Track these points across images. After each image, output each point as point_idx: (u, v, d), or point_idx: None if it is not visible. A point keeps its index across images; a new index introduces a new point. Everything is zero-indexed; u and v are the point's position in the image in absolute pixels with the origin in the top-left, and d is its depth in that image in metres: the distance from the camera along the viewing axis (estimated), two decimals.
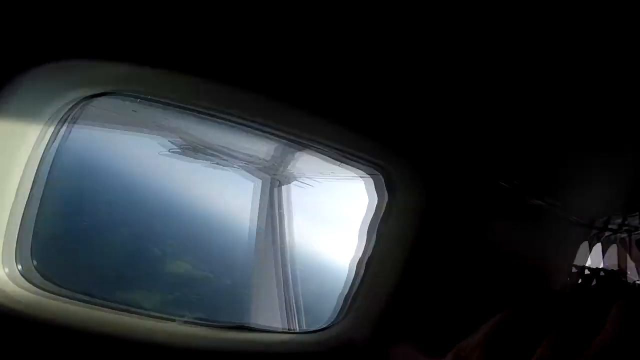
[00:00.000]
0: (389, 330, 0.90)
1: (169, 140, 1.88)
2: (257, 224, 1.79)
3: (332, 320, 0.93)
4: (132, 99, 0.84)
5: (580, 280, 1.00)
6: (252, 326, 0.90)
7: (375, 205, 0.92)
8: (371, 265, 0.90)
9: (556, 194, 1.04)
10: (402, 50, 0.64)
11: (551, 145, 0.87)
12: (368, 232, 0.93)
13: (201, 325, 0.85)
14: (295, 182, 1.58)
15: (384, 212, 0.89)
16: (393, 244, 0.89)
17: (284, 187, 1.66)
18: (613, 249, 1.11)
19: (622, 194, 0.91)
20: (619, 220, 1.02)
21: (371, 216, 0.92)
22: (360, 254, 0.95)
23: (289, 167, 1.49)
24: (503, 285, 1.00)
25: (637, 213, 0.73)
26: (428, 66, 0.66)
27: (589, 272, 0.99)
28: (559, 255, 1.18)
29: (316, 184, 1.44)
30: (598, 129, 0.77)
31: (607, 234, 1.20)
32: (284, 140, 0.92)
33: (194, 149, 1.82)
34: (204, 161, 1.92)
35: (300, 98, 0.72)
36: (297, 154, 1.26)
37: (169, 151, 2.01)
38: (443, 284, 0.94)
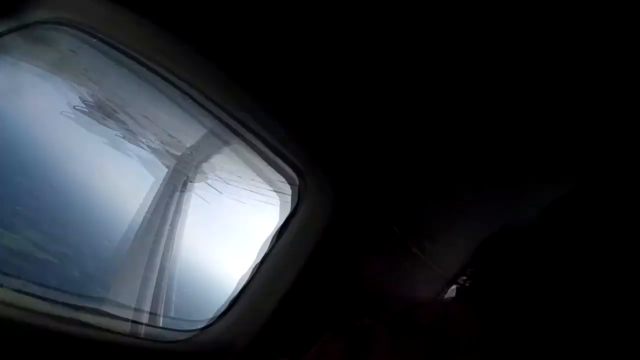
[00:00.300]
0: (269, 342, 0.88)
1: (80, 97, 1.64)
2: (145, 217, 1.60)
3: (209, 322, 0.89)
4: (79, 33, 0.79)
5: None
6: (106, 311, 0.82)
7: (280, 218, 0.95)
8: (263, 274, 0.89)
9: (426, 243, 1.22)
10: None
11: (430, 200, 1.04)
12: (270, 242, 0.94)
13: (36, 297, 0.73)
14: (206, 181, 1.51)
15: (288, 226, 0.92)
16: (289, 256, 0.90)
17: (191, 184, 1.56)
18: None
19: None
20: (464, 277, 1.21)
21: (274, 228, 0.93)
22: (253, 262, 0.94)
23: (206, 162, 1.42)
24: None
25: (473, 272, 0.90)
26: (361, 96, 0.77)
27: None
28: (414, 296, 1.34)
29: (228, 188, 1.40)
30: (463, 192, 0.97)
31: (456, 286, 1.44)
32: (210, 118, 0.89)
33: (105, 112, 1.61)
34: (111, 129, 1.70)
35: (239, 70, 0.72)
36: (221, 148, 1.23)
37: (74, 108, 1.73)
38: (321, 305, 0.97)
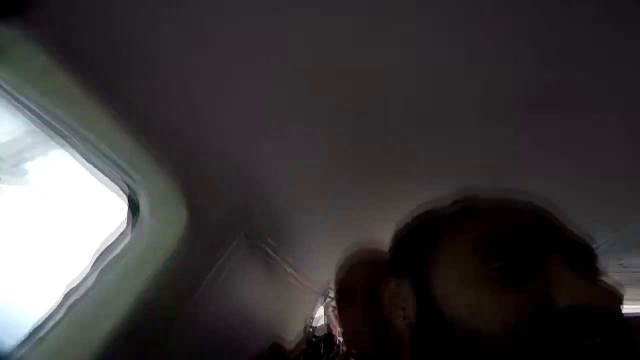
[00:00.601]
0: None
1: None
2: None
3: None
4: None
5: (305, 337, 1.13)
6: None
7: (118, 228, 0.78)
8: (86, 298, 0.72)
9: (296, 260, 1.20)
10: None
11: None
12: (99, 258, 0.77)
13: None
14: (28, 183, 1.19)
15: (125, 239, 0.78)
16: (125, 277, 0.75)
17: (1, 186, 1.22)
18: (329, 313, 1.35)
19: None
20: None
21: (108, 240, 0.78)
22: (74, 281, 0.76)
23: (28, 162, 1.12)
24: (239, 339, 0.98)
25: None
26: None
27: (311, 331, 1.15)
28: (291, 314, 1.32)
29: (56, 191, 1.13)
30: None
31: (327, 300, 1.52)
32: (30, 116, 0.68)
33: None
34: None
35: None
36: (44, 150, 0.98)
37: None
38: (169, 338, 0.83)
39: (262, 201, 0.93)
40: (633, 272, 1.73)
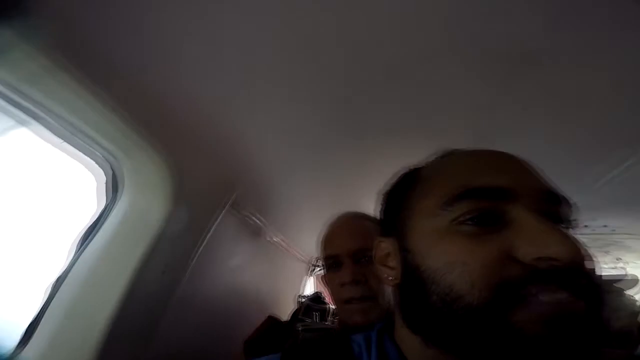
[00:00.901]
0: None
1: None
2: None
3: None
4: None
5: (297, 306, 1.15)
6: None
7: (99, 207, 0.74)
8: (76, 284, 0.69)
9: (283, 230, 1.20)
10: None
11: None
12: (81, 240, 0.74)
13: None
14: None
15: (107, 219, 0.74)
16: (112, 257, 0.72)
17: None
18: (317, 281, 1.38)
19: None
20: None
21: (89, 221, 0.74)
22: (61, 270, 0.72)
23: None
24: (233, 315, 0.98)
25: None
26: None
27: (302, 299, 1.18)
28: (284, 284, 1.33)
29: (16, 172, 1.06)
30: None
31: (317, 270, 1.54)
32: None
33: None
34: None
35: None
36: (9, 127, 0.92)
37: None
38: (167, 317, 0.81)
39: (247, 171, 0.91)
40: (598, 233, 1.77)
